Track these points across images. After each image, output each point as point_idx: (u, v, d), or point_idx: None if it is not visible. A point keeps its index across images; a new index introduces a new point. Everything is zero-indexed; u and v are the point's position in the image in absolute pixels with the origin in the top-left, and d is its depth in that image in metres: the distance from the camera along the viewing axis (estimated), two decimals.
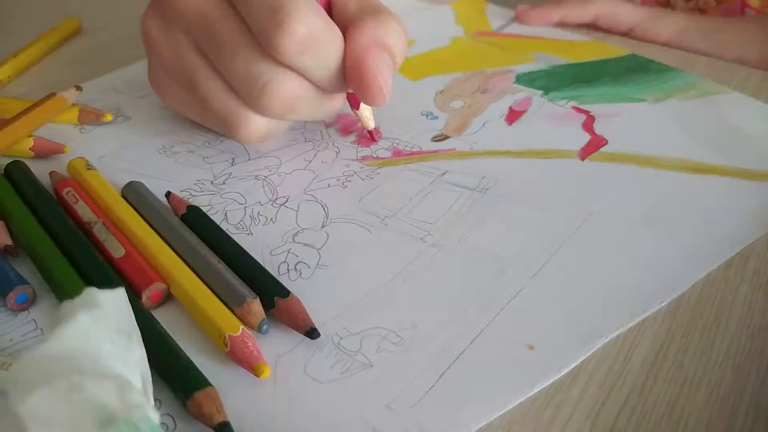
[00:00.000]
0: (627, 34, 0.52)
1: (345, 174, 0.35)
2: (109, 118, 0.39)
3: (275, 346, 0.26)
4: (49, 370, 0.17)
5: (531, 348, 0.26)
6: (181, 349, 0.25)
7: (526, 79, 0.45)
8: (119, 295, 0.20)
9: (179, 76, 0.34)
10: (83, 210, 0.31)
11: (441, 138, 0.39)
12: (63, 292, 0.27)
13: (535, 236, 0.31)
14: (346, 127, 0.40)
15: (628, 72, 0.46)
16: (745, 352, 0.26)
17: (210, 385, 0.23)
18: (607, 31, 0.52)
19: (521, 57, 0.48)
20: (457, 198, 0.34)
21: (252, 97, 0.31)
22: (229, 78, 0.32)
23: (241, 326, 0.25)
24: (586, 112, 0.42)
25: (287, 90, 0.31)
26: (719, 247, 0.31)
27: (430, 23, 0.53)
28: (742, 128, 0.40)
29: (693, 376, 0.25)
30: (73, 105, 0.39)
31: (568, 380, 0.25)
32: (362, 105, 0.37)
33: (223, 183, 0.35)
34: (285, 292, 0.27)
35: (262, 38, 0.30)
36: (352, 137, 0.39)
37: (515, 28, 0.53)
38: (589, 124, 0.40)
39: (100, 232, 0.30)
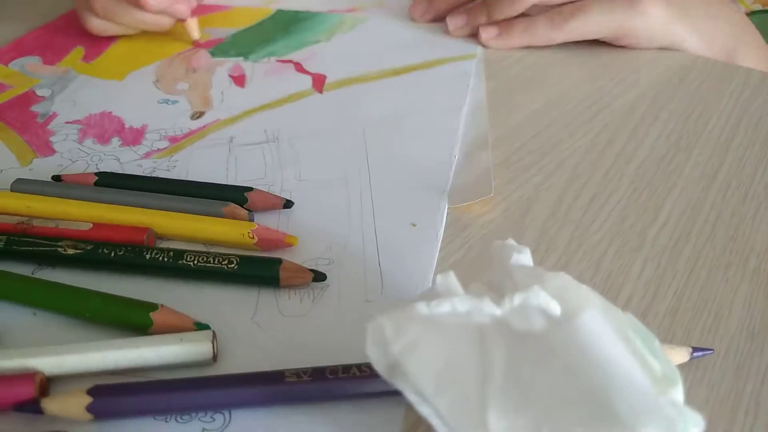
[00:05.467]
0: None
1: (146, 174, 0.34)
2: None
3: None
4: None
5: (414, 225, 0.32)
6: None
7: (221, 51, 0.48)
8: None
9: None
10: (2, 218, 0.30)
11: (199, 115, 0.40)
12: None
13: (346, 156, 0.36)
14: (100, 134, 0.37)
15: (288, 24, 0.53)
16: (745, 352, 0.26)
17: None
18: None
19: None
20: (262, 152, 0.36)
21: None
22: None
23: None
24: (289, 61, 0.47)
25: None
26: (458, 118, 0.40)
27: None
28: (400, 39, 0.50)
29: (693, 376, 0.25)
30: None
31: None
32: (189, 20, 0.47)
33: None
34: (247, 188, 0.31)
35: None
36: (116, 141, 0.37)
37: None
38: (300, 68, 0.46)
39: (45, 222, 0.29)
